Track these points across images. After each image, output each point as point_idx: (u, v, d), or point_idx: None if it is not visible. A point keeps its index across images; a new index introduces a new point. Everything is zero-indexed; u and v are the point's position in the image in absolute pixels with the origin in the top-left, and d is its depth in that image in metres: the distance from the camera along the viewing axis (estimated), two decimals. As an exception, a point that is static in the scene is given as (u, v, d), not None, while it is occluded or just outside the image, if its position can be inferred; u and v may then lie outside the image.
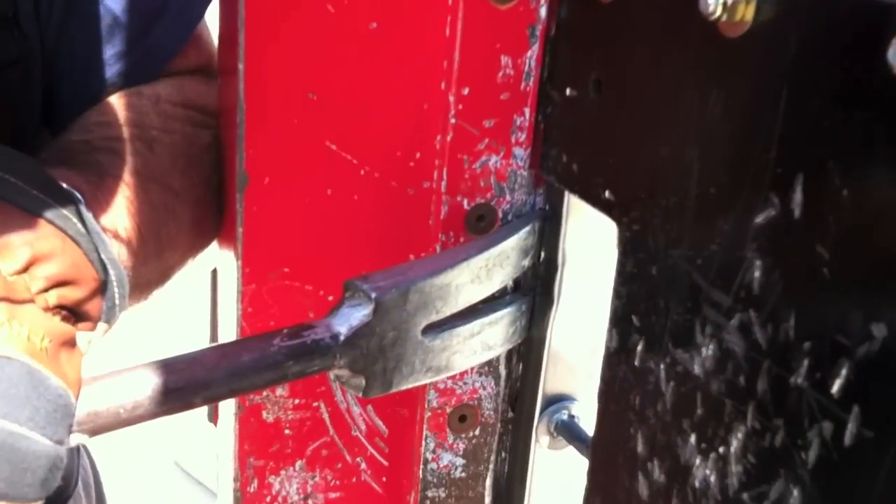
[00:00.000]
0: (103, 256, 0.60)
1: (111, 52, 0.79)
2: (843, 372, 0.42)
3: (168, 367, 0.57)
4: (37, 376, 0.51)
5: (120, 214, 0.70)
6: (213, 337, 0.84)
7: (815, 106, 0.43)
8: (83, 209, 0.60)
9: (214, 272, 0.81)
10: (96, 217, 0.64)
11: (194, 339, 0.88)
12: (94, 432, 0.55)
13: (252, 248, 0.71)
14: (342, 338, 0.62)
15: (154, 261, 0.74)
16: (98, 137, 0.75)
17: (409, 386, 0.67)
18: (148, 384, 0.56)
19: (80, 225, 0.59)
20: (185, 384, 0.57)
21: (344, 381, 0.64)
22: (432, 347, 0.67)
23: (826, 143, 0.42)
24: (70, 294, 0.58)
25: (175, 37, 0.82)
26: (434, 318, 0.66)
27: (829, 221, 0.42)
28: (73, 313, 0.58)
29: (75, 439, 0.54)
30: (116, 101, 0.79)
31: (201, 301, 0.84)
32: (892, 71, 0.37)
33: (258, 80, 0.67)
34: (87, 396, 0.55)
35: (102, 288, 0.60)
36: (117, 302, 0.61)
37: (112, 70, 0.79)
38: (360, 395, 0.65)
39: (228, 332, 0.75)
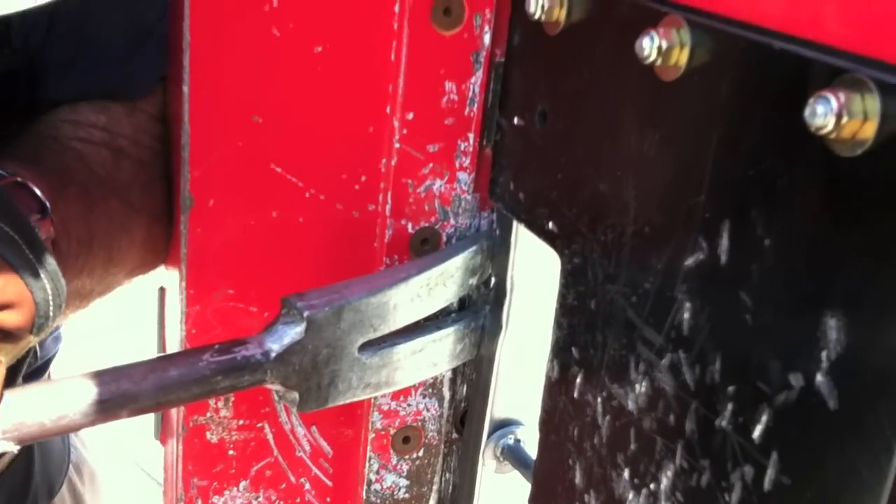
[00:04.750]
0: (42, 274, 0.59)
1: (91, 71, 0.78)
2: (764, 418, 0.42)
3: (95, 379, 0.58)
4: None
5: (75, 225, 0.69)
6: (160, 356, 0.83)
7: (742, 153, 0.44)
8: (32, 227, 0.60)
9: (162, 291, 0.80)
10: (53, 224, 0.64)
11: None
12: (20, 441, 0.56)
13: (196, 270, 0.71)
14: (273, 354, 0.62)
15: (100, 273, 0.74)
16: (66, 136, 0.74)
17: (347, 401, 0.68)
18: (74, 395, 0.56)
19: (24, 246, 0.59)
20: (111, 396, 0.58)
21: (280, 395, 0.65)
22: (370, 364, 0.67)
23: (751, 191, 0.43)
24: (5, 318, 0.57)
25: (155, 68, 0.80)
26: (371, 335, 0.67)
27: (752, 269, 0.43)
28: (3, 331, 0.58)
29: (1, 446, 0.55)
30: (91, 102, 0.78)
31: (151, 321, 0.83)
32: (809, 129, 0.37)
33: (203, 102, 0.66)
34: (14, 406, 0.55)
35: (37, 307, 0.60)
36: (51, 315, 0.61)
37: (90, 87, 0.78)
38: (296, 409, 0.65)
39: (173, 353, 0.75)
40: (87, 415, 0.57)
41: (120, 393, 0.58)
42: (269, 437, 0.77)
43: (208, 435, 0.76)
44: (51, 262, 0.60)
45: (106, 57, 0.77)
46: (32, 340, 0.61)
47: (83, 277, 0.70)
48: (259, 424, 0.76)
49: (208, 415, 0.75)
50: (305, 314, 0.63)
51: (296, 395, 0.64)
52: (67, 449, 1.06)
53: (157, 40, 0.75)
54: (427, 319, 0.71)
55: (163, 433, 0.83)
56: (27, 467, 0.97)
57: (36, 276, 0.59)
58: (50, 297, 0.60)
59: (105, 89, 0.77)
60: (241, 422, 0.76)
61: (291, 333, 0.63)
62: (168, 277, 0.78)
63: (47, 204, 0.64)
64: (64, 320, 0.78)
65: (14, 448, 0.56)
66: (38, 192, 0.63)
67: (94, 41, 0.77)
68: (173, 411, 0.76)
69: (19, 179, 0.63)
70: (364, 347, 0.66)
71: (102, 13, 0.76)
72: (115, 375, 0.58)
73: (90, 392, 0.57)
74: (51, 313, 0.61)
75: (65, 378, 0.58)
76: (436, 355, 0.71)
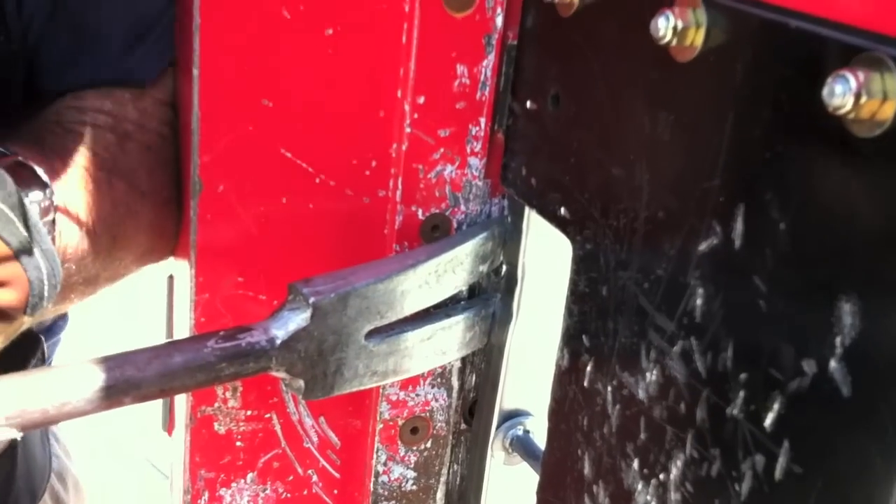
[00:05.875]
0: (37, 253, 0.59)
1: (94, 63, 0.77)
2: (776, 406, 0.41)
3: (99, 365, 0.57)
4: None
5: (76, 206, 0.69)
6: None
7: (758, 136, 0.43)
8: (26, 202, 0.59)
9: (171, 279, 0.80)
10: (54, 205, 0.63)
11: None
12: (23, 427, 0.55)
13: (206, 257, 0.70)
14: (279, 341, 0.62)
15: (104, 256, 0.73)
16: (69, 121, 0.74)
17: (354, 389, 0.67)
18: (78, 381, 0.56)
19: (19, 224, 0.59)
20: (114, 382, 0.57)
21: (286, 383, 0.65)
22: (377, 352, 0.67)
23: (766, 174, 0.42)
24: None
25: (159, 57, 0.80)
26: (378, 322, 0.66)
27: (767, 254, 0.42)
28: None
29: (3, 433, 0.55)
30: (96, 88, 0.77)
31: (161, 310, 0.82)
32: (826, 109, 0.36)
33: (213, 86, 0.66)
34: (17, 392, 0.55)
35: (31, 286, 0.60)
36: (46, 295, 0.61)
37: (93, 78, 0.77)
38: (302, 397, 0.65)
39: (182, 340, 0.74)
40: (91, 401, 0.56)
41: (124, 379, 0.57)
42: (277, 427, 0.76)
43: (216, 426, 0.75)
44: (47, 241, 0.60)
45: (108, 48, 0.76)
46: (26, 321, 0.60)
47: (86, 260, 0.70)
48: (267, 415, 0.76)
49: (216, 405, 0.74)
50: (311, 300, 0.62)
51: (301, 383, 0.64)
52: (49, 457, 1.06)
53: (163, 28, 0.75)
54: (436, 307, 0.70)
55: (170, 424, 0.83)
56: (9, 471, 0.97)
57: (30, 254, 0.59)
58: (45, 277, 0.60)
59: (108, 79, 0.77)
60: (248, 412, 0.75)
61: (297, 320, 0.62)
62: (177, 265, 0.78)
63: (49, 183, 0.64)
64: (70, 305, 0.78)
65: (18, 435, 0.56)
66: (39, 171, 0.63)
67: (95, 33, 0.76)
68: (180, 402, 0.76)
69: (20, 159, 0.63)
70: (371, 335, 0.66)
71: (104, 3, 0.75)
72: (119, 361, 0.58)
73: (94, 378, 0.56)
74: (45, 293, 0.60)
75: (68, 364, 0.57)
76: (445, 343, 0.71)
